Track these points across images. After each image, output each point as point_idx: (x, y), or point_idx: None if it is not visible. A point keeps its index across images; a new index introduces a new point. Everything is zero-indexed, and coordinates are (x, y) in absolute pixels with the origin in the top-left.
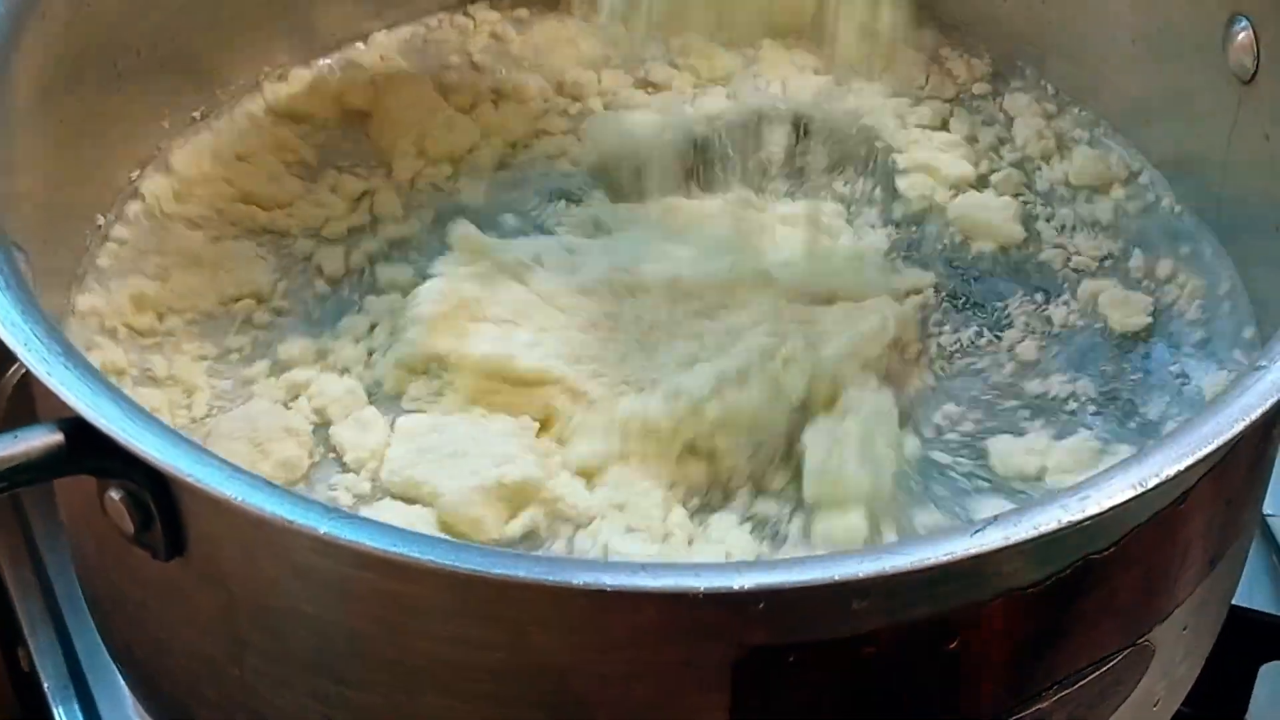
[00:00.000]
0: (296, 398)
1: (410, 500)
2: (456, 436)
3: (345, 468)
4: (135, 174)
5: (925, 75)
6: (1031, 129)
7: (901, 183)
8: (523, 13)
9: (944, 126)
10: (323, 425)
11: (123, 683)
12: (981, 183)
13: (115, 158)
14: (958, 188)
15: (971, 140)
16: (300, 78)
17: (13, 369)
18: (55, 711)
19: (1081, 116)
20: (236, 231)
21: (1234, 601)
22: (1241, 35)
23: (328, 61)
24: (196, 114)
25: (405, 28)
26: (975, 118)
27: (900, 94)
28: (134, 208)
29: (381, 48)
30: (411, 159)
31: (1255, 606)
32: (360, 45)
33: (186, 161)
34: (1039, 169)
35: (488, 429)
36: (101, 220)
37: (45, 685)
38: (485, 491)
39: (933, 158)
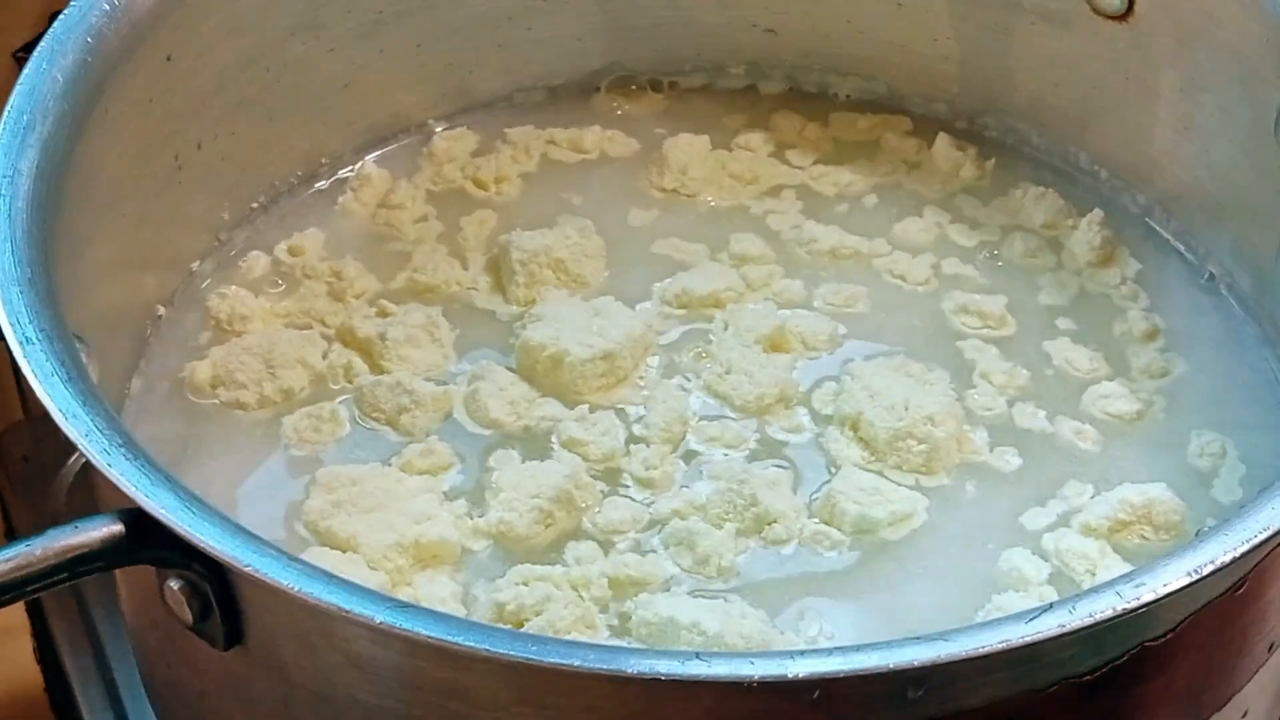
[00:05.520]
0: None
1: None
2: (372, 491)
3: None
4: (196, 264)
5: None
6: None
7: None
8: None
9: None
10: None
11: None
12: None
13: (176, 248)
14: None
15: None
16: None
17: (74, 457)
18: None
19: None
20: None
21: None
22: None
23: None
24: (255, 205)
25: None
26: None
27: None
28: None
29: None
30: None
31: None
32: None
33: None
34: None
35: (404, 485)
36: (162, 310)
37: None
38: (403, 549)
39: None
